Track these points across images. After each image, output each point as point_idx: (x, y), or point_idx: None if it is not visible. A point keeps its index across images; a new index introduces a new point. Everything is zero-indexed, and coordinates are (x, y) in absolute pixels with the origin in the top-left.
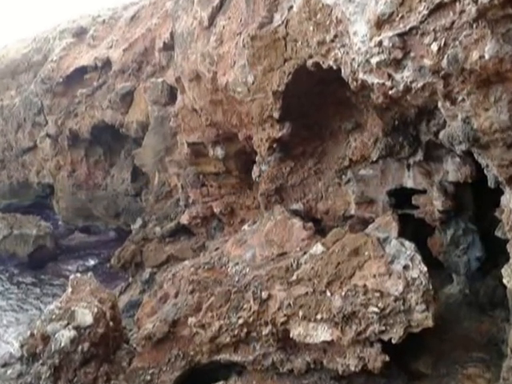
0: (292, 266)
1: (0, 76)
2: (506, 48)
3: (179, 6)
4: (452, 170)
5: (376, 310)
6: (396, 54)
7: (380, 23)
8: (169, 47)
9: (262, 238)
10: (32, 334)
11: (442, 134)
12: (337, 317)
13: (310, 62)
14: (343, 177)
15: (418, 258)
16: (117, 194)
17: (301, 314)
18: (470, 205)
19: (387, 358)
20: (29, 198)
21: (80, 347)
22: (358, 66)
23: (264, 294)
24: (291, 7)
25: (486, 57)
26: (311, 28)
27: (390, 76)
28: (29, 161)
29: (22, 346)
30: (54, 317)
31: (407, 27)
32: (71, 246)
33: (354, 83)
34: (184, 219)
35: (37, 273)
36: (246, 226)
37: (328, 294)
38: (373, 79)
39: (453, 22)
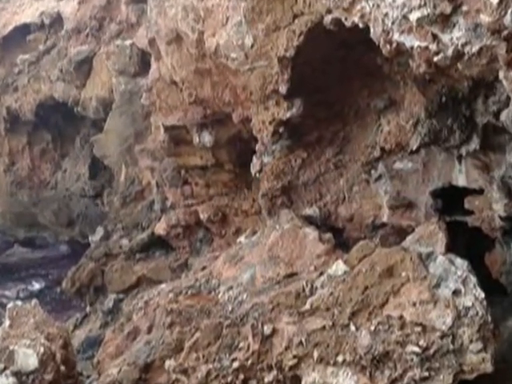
0: (304, 291)
1: None
2: None
3: None
4: None
5: (416, 349)
6: (443, 8)
7: None
8: None
9: (265, 254)
10: None
11: (504, 115)
12: (364, 359)
13: (328, 19)
14: (372, 172)
15: (473, 280)
16: (70, 194)
17: (316, 354)
18: None
19: None
20: None
21: None
22: (393, 23)
23: (267, 329)
24: None
25: None
26: None
27: (435, 37)
28: None
29: None
30: None
31: None
32: (9, 263)
33: (387, 47)
34: (160, 228)
35: None
36: (242, 238)
37: (352, 328)
38: (412, 41)
39: None
